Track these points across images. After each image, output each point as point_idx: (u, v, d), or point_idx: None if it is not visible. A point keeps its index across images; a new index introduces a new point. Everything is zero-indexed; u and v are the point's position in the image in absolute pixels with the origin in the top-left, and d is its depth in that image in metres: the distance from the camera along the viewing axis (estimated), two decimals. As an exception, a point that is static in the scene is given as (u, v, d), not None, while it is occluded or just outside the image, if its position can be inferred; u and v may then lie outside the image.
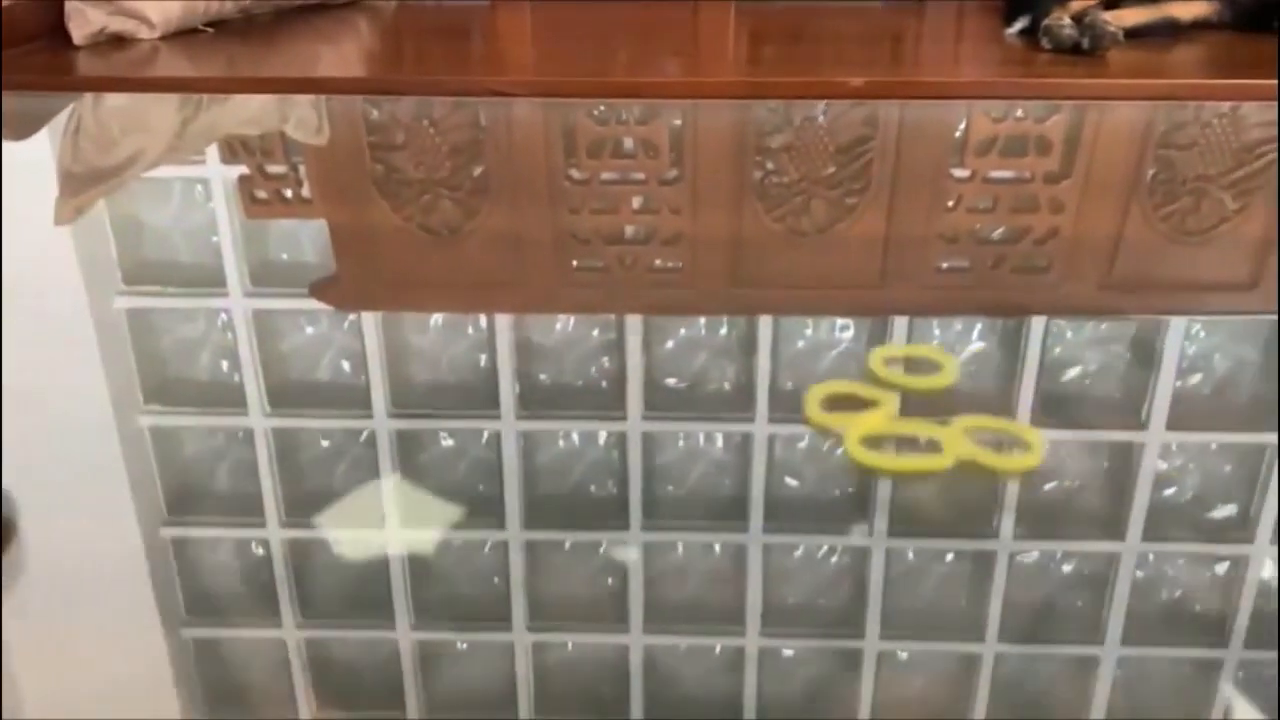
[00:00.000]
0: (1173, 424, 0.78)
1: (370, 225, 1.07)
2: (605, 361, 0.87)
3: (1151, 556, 0.71)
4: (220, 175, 1.06)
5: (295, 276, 0.97)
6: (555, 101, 1.38)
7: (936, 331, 0.89)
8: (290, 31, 1.64)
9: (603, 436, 0.81)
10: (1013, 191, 1.10)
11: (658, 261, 1.00)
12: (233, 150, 1.13)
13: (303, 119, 1.34)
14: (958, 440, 0.73)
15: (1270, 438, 0.77)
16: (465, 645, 0.67)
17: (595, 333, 0.89)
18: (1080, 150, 1.17)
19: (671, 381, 0.85)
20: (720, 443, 0.79)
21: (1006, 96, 1.36)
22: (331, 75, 1.46)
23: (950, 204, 1.08)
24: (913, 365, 0.83)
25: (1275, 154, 1.16)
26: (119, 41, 1.50)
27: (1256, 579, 0.69)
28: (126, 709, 0.61)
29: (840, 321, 0.89)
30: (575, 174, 1.12)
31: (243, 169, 1.09)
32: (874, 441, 0.74)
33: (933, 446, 0.73)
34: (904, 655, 0.66)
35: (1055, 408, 0.82)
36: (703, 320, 0.90)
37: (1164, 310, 0.90)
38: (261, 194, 1.07)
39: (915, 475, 0.73)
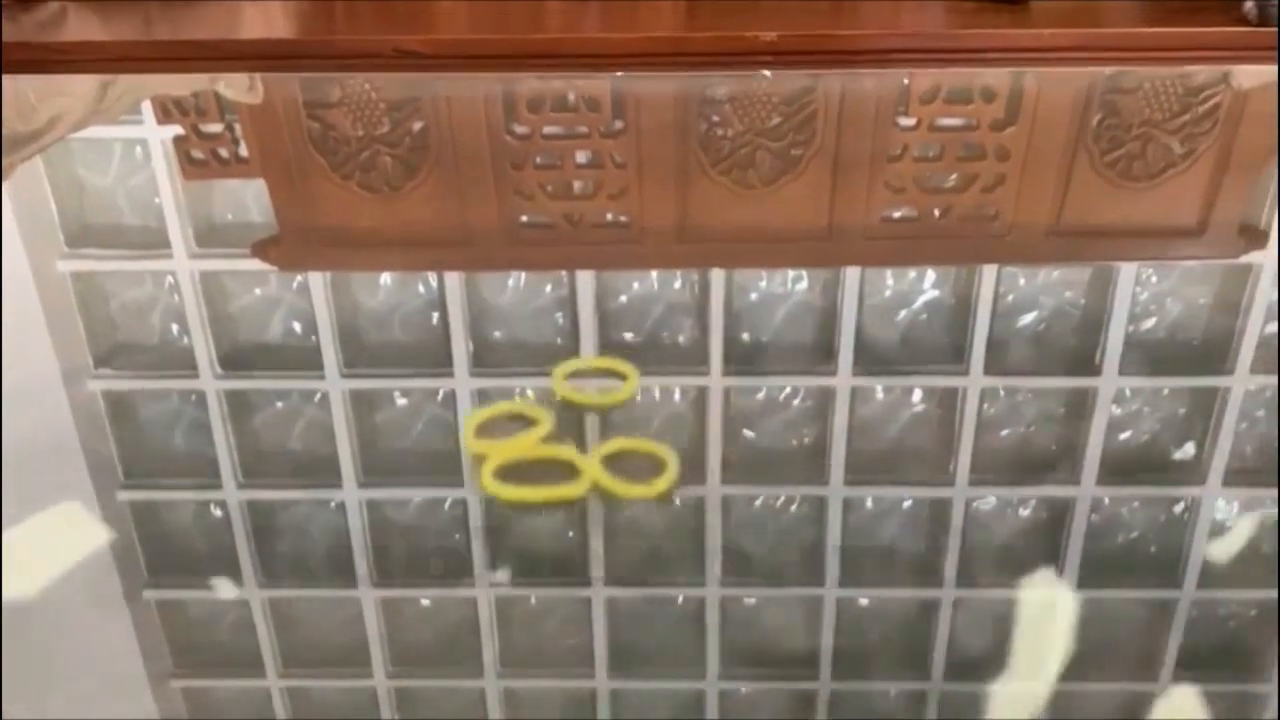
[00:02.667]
0: (1125, 369, 0.79)
1: (310, 184, 1.06)
2: (559, 318, 0.87)
3: (1107, 500, 0.72)
4: (158, 136, 1.04)
5: (240, 237, 0.96)
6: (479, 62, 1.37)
7: (891, 282, 0.89)
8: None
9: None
10: (959, 139, 1.10)
11: (606, 216, 1.00)
12: (166, 111, 1.12)
13: (233, 78, 1.33)
14: (594, 466, 0.71)
15: (1223, 380, 0.78)
16: (428, 602, 0.67)
17: (548, 288, 0.89)
18: (1024, 99, 1.18)
19: (628, 336, 0.85)
20: (677, 396, 0.79)
21: (930, 54, 1.35)
22: (247, 38, 1.42)
23: (896, 153, 1.08)
24: (598, 379, 0.80)
25: (1221, 98, 1.17)
26: (24, 2, 1.47)
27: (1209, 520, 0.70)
28: (92, 677, 0.60)
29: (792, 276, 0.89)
30: (517, 129, 1.12)
31: (177, 130, 1.07)
32: (512, 470, 0.71)
33: (570, 472, 0.71)
34: (864, 602, 0.66)
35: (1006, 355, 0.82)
36: (654, 274, 0.90)
37: (1113, 257, 0.91)
38: (198, 154, 1.06)
39: (549, 505, 0.70)
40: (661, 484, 0.70)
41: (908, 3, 1.52)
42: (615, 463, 0.71)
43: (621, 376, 0.79)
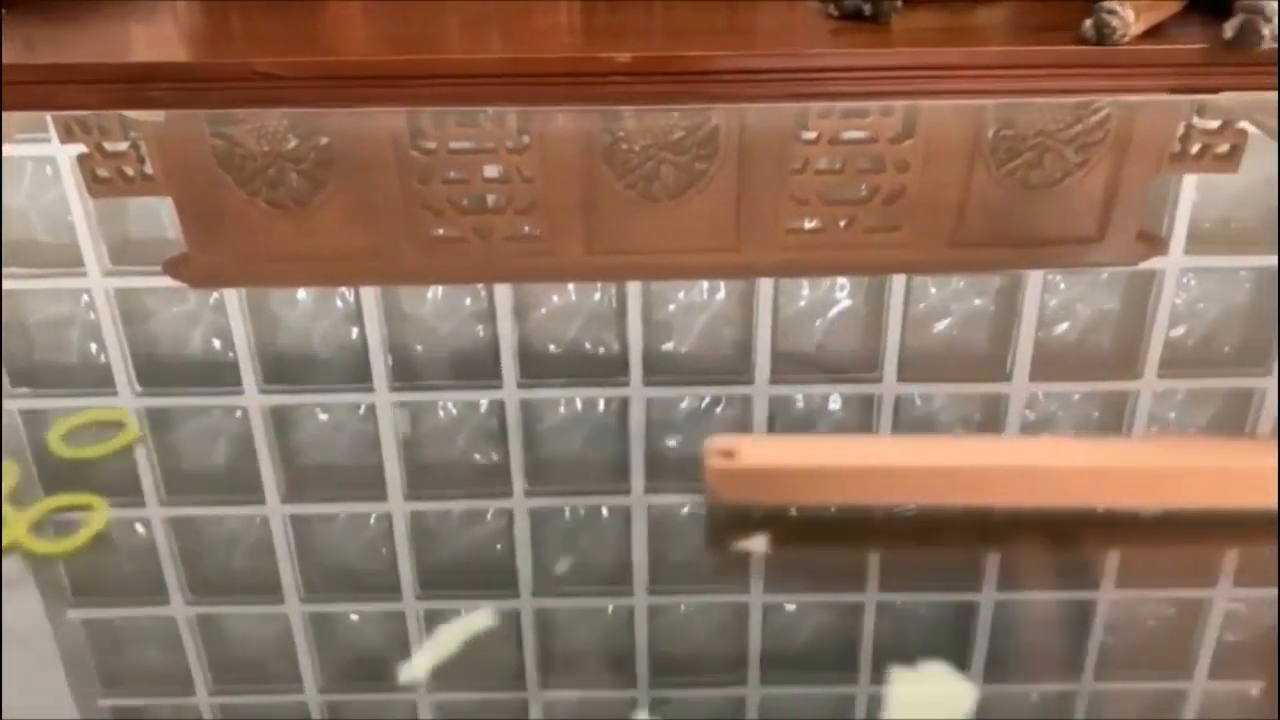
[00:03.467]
0: (1036, 374, 0.81)
1: (218, 201, 1.06)
2: (479, 330, 0.88)
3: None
4: (66, 154, 1.04)
5: (156, 254, 0.96)
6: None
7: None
8: (97, 9, 1.59)
9: (483, 404, 0.81)
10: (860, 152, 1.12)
11: (517, 229, 1.01)
12: (68, 130, 1.11)
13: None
14: (19, 522, 0.70)
15: (1133, 384, 0.80)
16: (356, 617, 0.67)
17: (468, 301, 0.90)
18: (909, 116, 1.19)
19: (551, 348, 0.86)
20: (601, 407, 0.80)
21: (790, 74, 1.35)
22: (135, 61, 1.40)
23: (798, 167, 1.10)
24: (100, 431, 0.79)
25: (1108, 110, 1.20)
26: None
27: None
28: (20, 698, 0.60)
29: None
30: (423, 144, 1.12)
31: (81, 148, 1.07)
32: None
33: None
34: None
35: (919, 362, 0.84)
36: (571, 286, 0.91)
37: (1016, 265, 0.93)
38: (103, 173, 1.05)
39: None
40: (79, 539, 0.70)
41: (798, 21, 1.54)
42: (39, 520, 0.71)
43: (120, 425, 0.79)
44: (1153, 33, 1.32)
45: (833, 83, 1.33)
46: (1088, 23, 1.28)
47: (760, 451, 0.67)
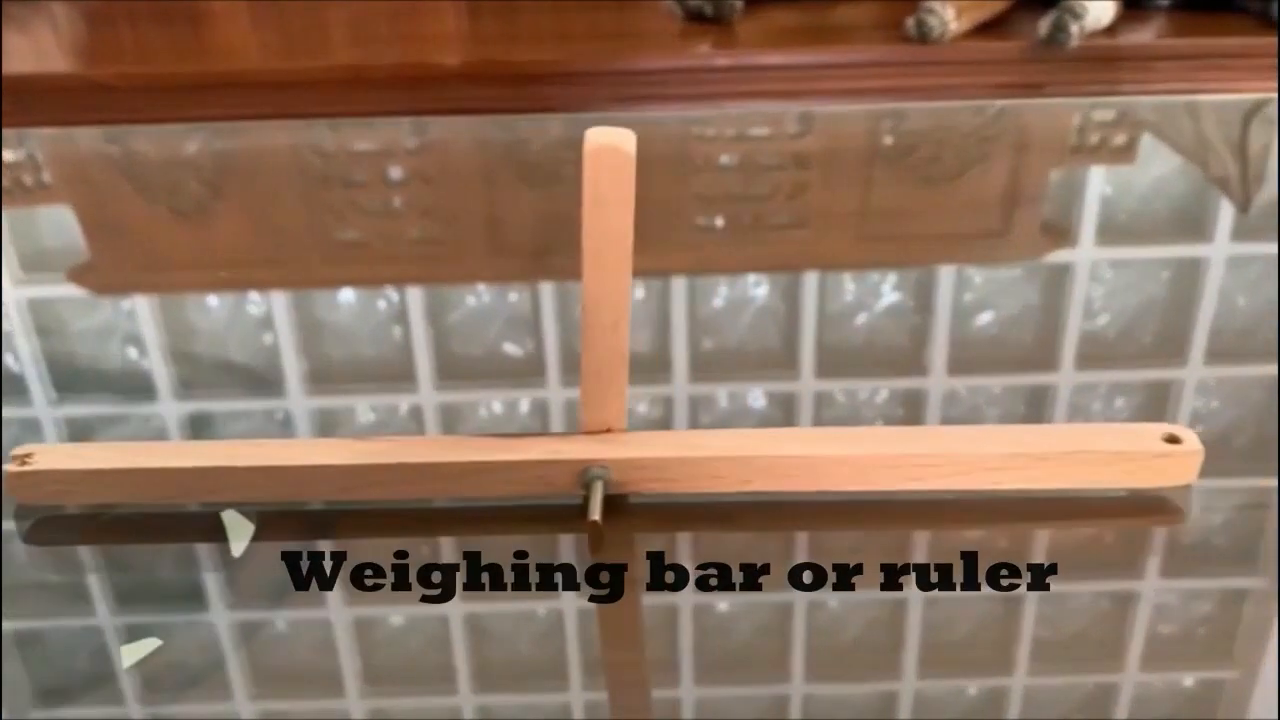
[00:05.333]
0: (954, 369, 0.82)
1: (118, 209, 1.05)
2: (396, 333, 0.88)
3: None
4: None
5: (69, 263, 0.95)
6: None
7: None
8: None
9: (404, 408, 0.81)
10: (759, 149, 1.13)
11: (417, 232, 1.01)
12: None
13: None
14: None
15: (1051, 377, 0.82)
16: (284, 625, 0.67)
17: (382, 305, 0.90)
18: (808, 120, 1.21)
19: (474, 351, 0.86)
20: (525, 408, 0.80)
21: (632, 76, 1.35)
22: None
23: (699, 164, 1.10)
24: None
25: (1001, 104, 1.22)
26: None
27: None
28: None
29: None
30: (321, 148, 1.12)
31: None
32: None
33: None
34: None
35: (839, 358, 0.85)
36: (482, 287, 0.91)
37: (925, 261, 0.94)
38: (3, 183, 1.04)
39: None
40: None
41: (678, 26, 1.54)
42: None
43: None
44: (988, 30, 1.34)
45: (659, 85, 1.33)
46: (909, 21, 1.30)
47: (55, 456, 0.69)
